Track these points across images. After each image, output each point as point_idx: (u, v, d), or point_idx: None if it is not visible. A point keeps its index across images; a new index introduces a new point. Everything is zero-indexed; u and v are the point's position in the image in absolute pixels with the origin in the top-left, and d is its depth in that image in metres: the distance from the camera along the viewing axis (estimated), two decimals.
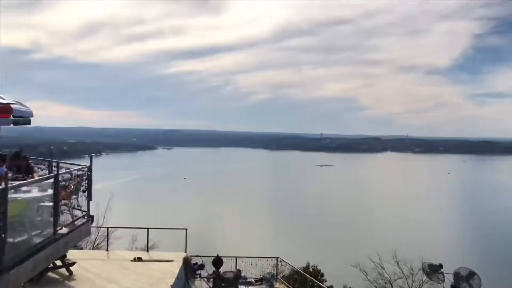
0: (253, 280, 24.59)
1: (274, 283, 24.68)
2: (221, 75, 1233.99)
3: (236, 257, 25.52)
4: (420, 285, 38.11)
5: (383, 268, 41.69)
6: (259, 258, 26.55)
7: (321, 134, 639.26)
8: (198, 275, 23.30)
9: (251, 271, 25.48)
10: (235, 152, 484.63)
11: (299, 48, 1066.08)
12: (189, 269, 22.05)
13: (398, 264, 40.62)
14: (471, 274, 16.24)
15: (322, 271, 42.66)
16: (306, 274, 31.15)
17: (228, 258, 24.76)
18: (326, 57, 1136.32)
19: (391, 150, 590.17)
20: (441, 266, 17.48)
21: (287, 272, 30.24)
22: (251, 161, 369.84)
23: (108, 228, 27.66)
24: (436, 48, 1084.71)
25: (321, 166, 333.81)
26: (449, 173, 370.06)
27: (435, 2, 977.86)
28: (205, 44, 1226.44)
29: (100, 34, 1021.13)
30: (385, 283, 41.48)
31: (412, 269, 38.70)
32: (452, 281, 17.18)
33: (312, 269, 40.76)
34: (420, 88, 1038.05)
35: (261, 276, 25.20)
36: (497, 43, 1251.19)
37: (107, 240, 26.60)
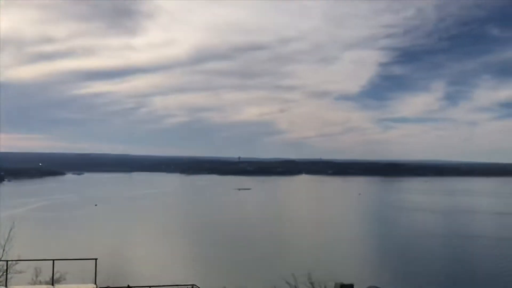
0: None
1: None
2: (136, 97, 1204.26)
3: (149, 286, 24.63)
4: None
5: None
6: (174, 287, 25.83)
7: (239, 157, 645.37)
8: None
9: None
10: (149, 176, 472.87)
11: (216, 72, 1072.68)
12: None
13: (313, 285, 41.50)
14: None
15: None
16: None
17: (141, 287, 23.86)
18: (243, 81, 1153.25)
19: (306, 173, 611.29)
20: (352, 286, 17.91)
21: None
22: (166, 186, 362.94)
23: (7, 261, 25.41)
24: (345, 75, 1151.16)
25: (239, 189, 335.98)
26: (359, 194, 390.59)
27: (343, 32, 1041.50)
28: (119, 64, 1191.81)
29: (4, 52, 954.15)
30: None
31: None
32: None
33: None
34: (332, 113, 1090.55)
35: None
36: (400, 72, 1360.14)
37: (6, 274, 24.43)
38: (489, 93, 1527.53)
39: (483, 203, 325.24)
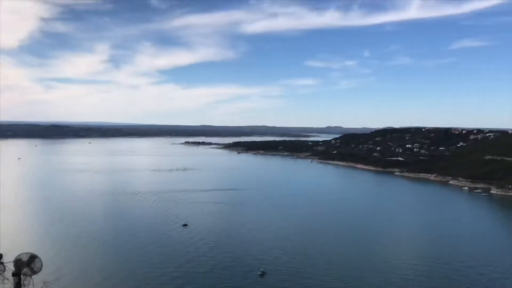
0: None
1: None
2: None
3: None
4: None
5: None
6: None
7: None
8: None
9: None
10: None
11: None
12: None
13: None
14: (32, 258, 16.09)
15: None
16: None
17: None
18: None
19: None
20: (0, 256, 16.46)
21: None
22: None
23: None
24: (2, 27, 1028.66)
25: None
26: (19, 159, 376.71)
27: None
28: None
29: None
30: None
31: None
32: (14, 269, 16.25)
33: None
34: None
35: None
36: (64, 30, 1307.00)
37: None
38: (149, 59, 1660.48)
39: (144, 162, 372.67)
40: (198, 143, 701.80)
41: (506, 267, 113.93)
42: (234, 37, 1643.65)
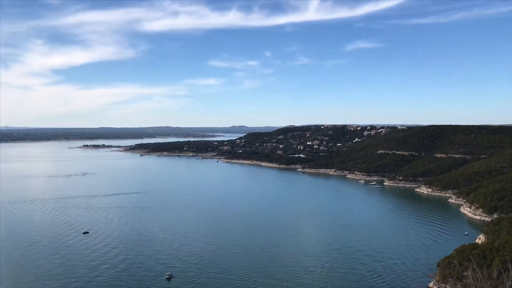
0: None
1: None
2: None
3: None
4: None
5: None
6: None
7: None
8: None
9: None
10: None
11: None
12: None
13: None
14: None
15: None
16: None
17: None
18: None
19: None
20: None
21: None
22: None
23: None
24: None
25: None
26: None
27: None
28: None
29: None
30: None
31: None
32: None
33: None
34: None
35: None
36: None
37: None
38: (42, 58, 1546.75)
39: (40, 168, 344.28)
40: (98, 146, 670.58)
41: (399, 254, 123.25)
42: (133, 36, 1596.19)
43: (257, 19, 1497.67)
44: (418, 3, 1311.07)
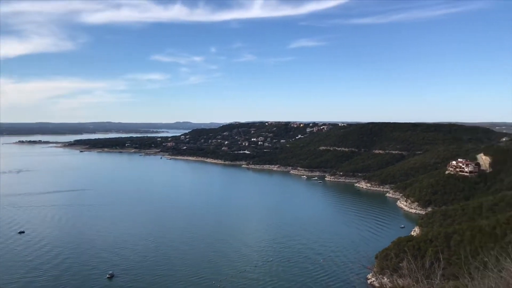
0: None
1: None
2: None
3: None
4: None
5: None
6: None
7: None
8: None
9: None
10: None
11: None
12: None
13: None
14: None
15: None
16: None
17: None
18: None
19: None
20: None
21: None
22: None
23: None
24: None
25: None
26: None
27: None
28: None
29: None
30: None
31: None
32: None
33: None
34: None
35: None
36: None
37: None
38: None
39: None
40: (34, 142, 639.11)
41: (340, 247, 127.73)
42: (73, 27, 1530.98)
43: (202, 14, 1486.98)
44: (359, 3, 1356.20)
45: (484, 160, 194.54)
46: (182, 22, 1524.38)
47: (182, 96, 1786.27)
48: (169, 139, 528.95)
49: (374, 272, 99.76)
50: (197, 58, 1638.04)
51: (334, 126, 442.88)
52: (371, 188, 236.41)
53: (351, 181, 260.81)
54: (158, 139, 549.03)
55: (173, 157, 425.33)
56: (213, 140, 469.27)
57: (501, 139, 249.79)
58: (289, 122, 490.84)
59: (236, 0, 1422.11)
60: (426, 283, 15.74)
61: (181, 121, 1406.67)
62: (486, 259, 17.13)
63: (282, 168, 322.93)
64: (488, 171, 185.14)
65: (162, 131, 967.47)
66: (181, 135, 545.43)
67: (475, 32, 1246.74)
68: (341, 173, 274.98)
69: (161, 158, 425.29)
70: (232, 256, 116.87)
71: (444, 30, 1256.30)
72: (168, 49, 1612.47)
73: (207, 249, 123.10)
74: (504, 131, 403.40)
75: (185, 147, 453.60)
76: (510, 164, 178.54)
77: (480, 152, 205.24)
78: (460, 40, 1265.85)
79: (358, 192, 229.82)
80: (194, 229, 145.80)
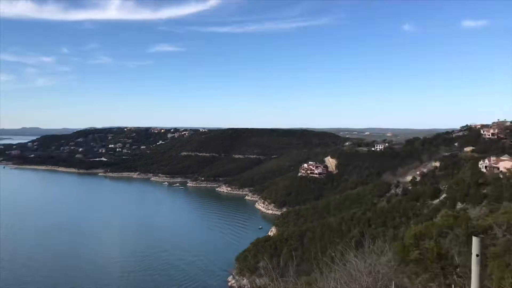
0: None
1: None
2: None
3: None
4: None
5: None
6: None
7: None
8: None
9: None
10: None
11: None
12: None
13: None
14: None
15: None
16: None
17: None
18: None
19: None
20: None
21: None
22: None
23: None
24: None
25: None
26: None
27: None
28: None
29: None
30: None
31: None
32: None
33: None
34: None
35: None
36: None
37: None
38: None
39: None
40: None
41: (203, 251, 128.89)
42: None
43: (53, 12, 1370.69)
44: (216, 13, 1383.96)
45: (331, 162, 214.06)
46: (29, 19, 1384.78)
47: (29, 99, 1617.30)
48: (14, 146, 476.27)
49: (234, 274, 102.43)
50: (46, 59, 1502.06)
51: (195, 131, 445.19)
52: (232, 192, 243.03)
53: (213, 185, 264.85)
54: (1, 146, 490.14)
55: (18, 166, 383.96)
56: (66, 147, 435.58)
57: (345, 144, 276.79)
58: (149, 128, 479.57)
59: (90, 0, 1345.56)
60: (281, 281, 16.54)
61: (28, 126, 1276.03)
62: (333, 254, 18.69)
63: (143, 175, 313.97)
64: (334, 173, 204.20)
65: (6, 138, 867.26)
66: (29, 142, 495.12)
67: (327, 44, 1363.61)
68: (202, 178, 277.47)
69: (3, 167, 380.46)
70: (90, 270, 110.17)
71: (301, 41, 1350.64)
72: (13, 47, 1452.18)
73: (62, 264, 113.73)
74: (347, 136, 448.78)
75: (33, 155, 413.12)
76: (352, 166, 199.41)
77: (327, 155, 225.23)
78: (315, 52, 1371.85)
79: (220, 196, 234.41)
80: (48, 244, 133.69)
